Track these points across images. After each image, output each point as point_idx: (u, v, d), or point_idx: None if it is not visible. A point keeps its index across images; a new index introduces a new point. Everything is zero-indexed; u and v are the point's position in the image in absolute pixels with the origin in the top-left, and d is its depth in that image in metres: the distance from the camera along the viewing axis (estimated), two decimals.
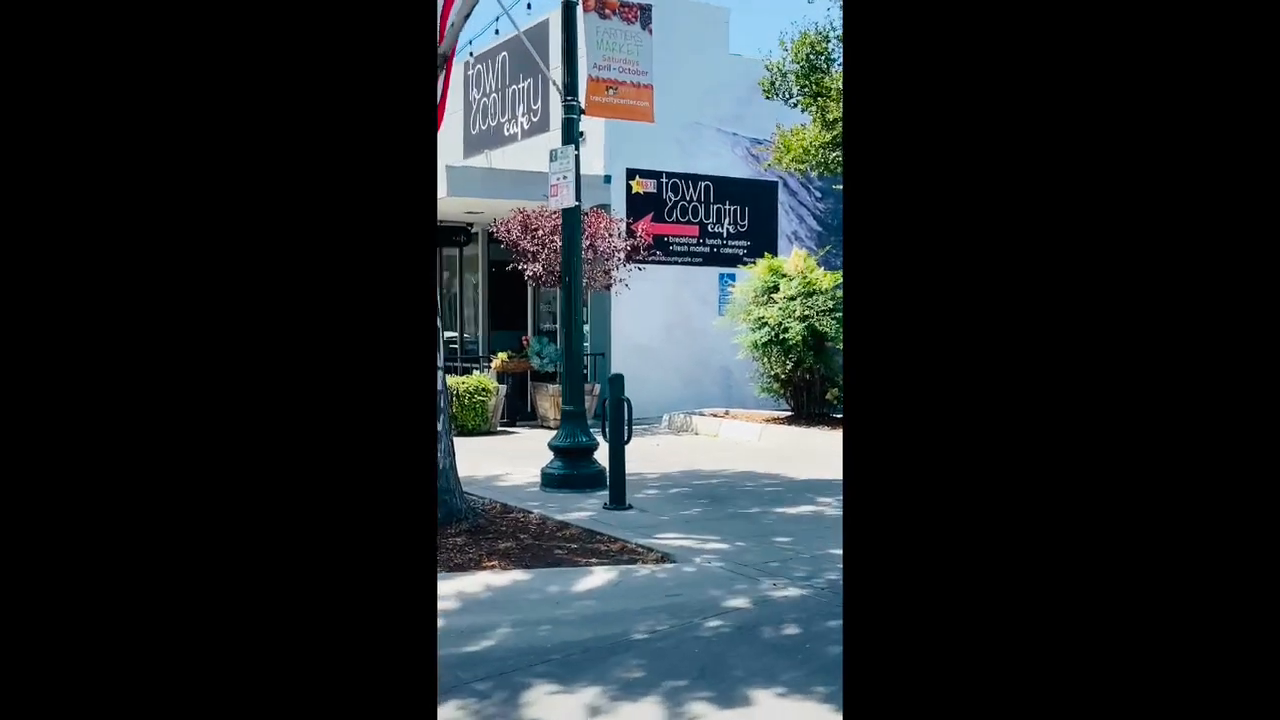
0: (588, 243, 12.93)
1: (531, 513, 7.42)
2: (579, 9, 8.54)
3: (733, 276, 14.61)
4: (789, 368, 12.10)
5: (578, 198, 8.47)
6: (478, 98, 17.36)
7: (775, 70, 11.69)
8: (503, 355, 14.12)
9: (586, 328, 15.20)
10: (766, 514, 7.49)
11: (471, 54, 16.84)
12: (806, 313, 11.90)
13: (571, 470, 8.41)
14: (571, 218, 8.55)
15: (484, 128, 17.15)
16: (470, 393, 12.58)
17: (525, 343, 14.37)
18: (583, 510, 7.55)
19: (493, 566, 5.86)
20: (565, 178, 8.40)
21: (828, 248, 15.34)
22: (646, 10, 9.00)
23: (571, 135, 8.49)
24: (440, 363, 6.98)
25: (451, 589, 5.34)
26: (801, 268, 12.40)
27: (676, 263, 15.23)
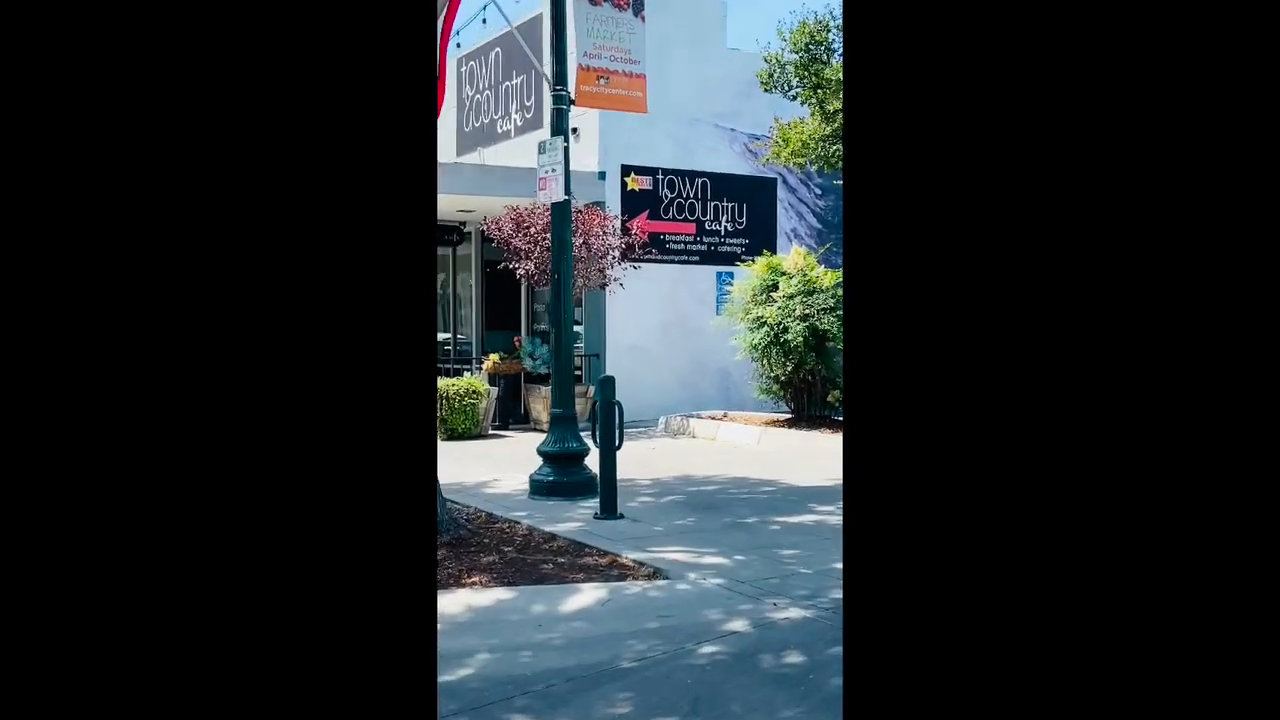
0: (581, 240, 12.57)
1: (519, 523, 7.05)
2: None
3: (731, 275, 14.24)
4: (789, 369, 11.72)
5: (567, 191, 8.10)
6: (470, 94, 17.00)
7: (773, 62, 11.30)
8: (494, 357, 13.75)
9: (580, 328, 14.87)
10: (766, 524, 7.11)
11: (458, 44, 16.49)
12: (807, 312, 11.52)
13: (561, 477, 8.04)
14: (561, 213, 8.18)
15: (477, 125, 16.78)
16: (460, 395, 12.20)
17: (517, 343, 13.99)
18: (572, 520, 7.17)
19: (474, 584, 5.48)
20: (554, 170, 8.02)
21: (828, 245, 14.96)
22: None
23: (561, 127, 8.12)
24: None
25: None
26: (801, 265, 12.02)
27: (673, 261, 14.86)
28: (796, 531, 6.84)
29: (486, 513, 7.38)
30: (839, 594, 5.15)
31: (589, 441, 7.96)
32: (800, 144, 11.34)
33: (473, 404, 12.32)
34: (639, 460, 10.34)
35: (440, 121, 16.29)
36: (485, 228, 13.32)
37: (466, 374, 13.94)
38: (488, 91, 16.52)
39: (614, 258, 13.37)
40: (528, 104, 15.68)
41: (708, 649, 4.42)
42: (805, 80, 10.95)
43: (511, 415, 13.70)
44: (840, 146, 11.00)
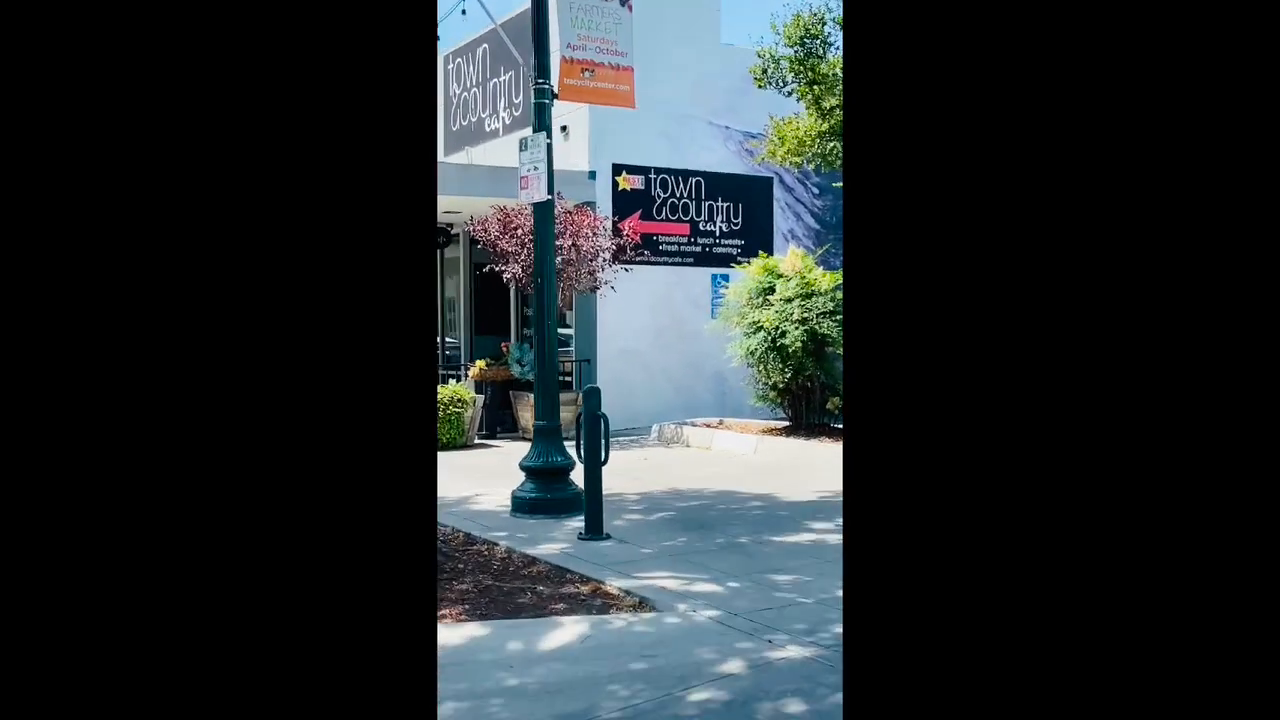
0: (570, 242, 12.13)
1: (498, 544, 6.59)
2: None
3: (726, 277, 13.79)
4: (787, 375, 11.26)
5: (550, 191, 7.65)
6: (458, 93, 16.54)
7: (767, 57, 10.82)
8: (480, 363, 13.29)
9: (571, 332, 14.42)
10: (761, 544, 6.66)
11: (437, 38, 16.01)
12: (805, 315, 11.07)
13: (544, 494, 7.58)
14: (544, 213, 7.73)
15: (465, 124, 16.33)
16: (444, 404, 11.73)
17: (505, 349, 13.53)
18: (554, 542, 6.72)
19: (445, 618, 5.03)
20: (536, 169, 7.57)
21: (826, 246, 14.50)
22: None
23: (543, 122, 7.67)
24: None
25: None
26: (799, 267, 11.57)
27: (666, 263, 14.41)
28: (794, 553, 6.39)
29: (465, 533, 6.93)
30: (841, 628, 4.70)
31: (575, 455, 7.50)
32: (796, 142, 10.86)
33: (458, 413, 11.85)
34: (629, 472, 9.89)
35: None
36: (471, 229, 12.87)
37: (453, 381, 13.48)
38: (475, 89, 16.07)
39: (605, 259, 12.93)
40: (515, 101, 15.23)
41: (698, 695, 3.97)
42: (800, 75, 10.48)
43: (500, 423, 13.25)
44: (837, 144, 10.54)
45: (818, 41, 10.41)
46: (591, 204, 13.49)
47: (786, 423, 11.95)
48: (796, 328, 11.02)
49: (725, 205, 14.86)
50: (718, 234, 14.83)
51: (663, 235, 14.36)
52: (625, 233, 13.28)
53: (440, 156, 16.23)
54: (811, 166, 11.59)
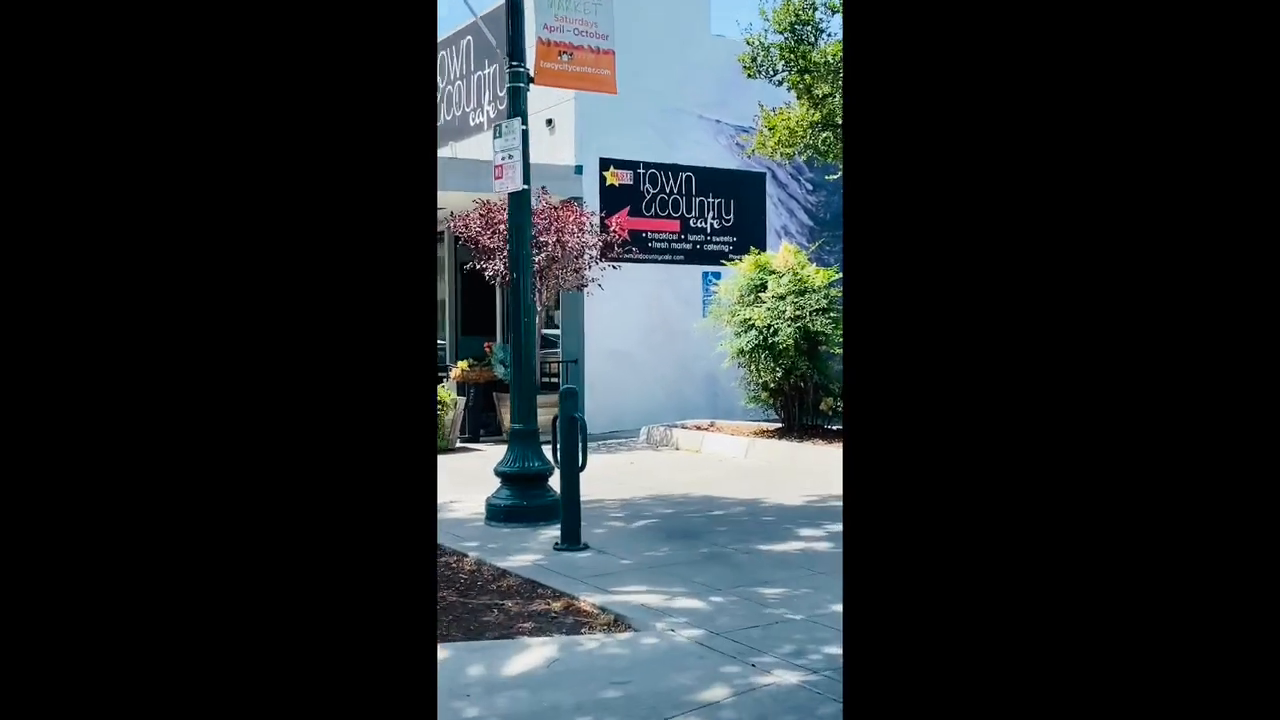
0: (555, 238, 11.72)
1: (467, 556, 6.18)
2: None
3: (718, 275, 13.38)
4: (779, 375, 10.84)
5: (527, 180, 7.24)
6: (442, 86, 16.13)
7: (756, 44, 10.39)
8: (462, 364, 12.88)
9: (558, 331, 14.02)
10: (749, 554, 6.24)
11: None
12: (797, 313, 10.66)
13: (521, 500, 7.16)
14: (520, 203, 7.31)
15: (449, 118, 15.91)
16: None
17: (488, 349, 13.11)
18: (528, 553, 6.30)
19: None
20: (511, 157, 7.16)
21: (820, 241, 14.11)
22: None
23: (518, 107, 7.25)
24: None
25: None
26: (791, 263, 11.15)
27: (656, 260, 14.00)
28: (782, 564, 5.97)
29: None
30: (833, 649, 4.30)
31: (554, 459, 7.08)
32: (788, 133, 10.42)
33: (438, 415, 11.43)
34: (613, 476, 9.48)
35: None
36: (453, 225, 12.46)
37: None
38: (459, 82, 15.66)
39: (592, 257, 12.52)
40: (500, 95, 14.80)
41: None
42: (791, 64, 10.04)
43: (484, 426, 12.83)
44: (830, 134, 10.12)
45: (809, 28, 9.97)
46: (578, 199, 13.09)
47: (779, 424, 11.53)
48: (789, 326, 10.60)
49: (716, 201, 14.47)
50: (709, 231, 14.43)
51: (652, 232, 13.96)
52: (613, 229, 12.88)
53: None
54: (803, 158, 11.14)
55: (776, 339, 10.65)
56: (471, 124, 15.26)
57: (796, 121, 10.32)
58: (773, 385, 11.05)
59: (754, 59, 10.43)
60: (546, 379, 13.99)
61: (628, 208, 13.65)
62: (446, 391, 11.89)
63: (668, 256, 14.12)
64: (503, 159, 7.24)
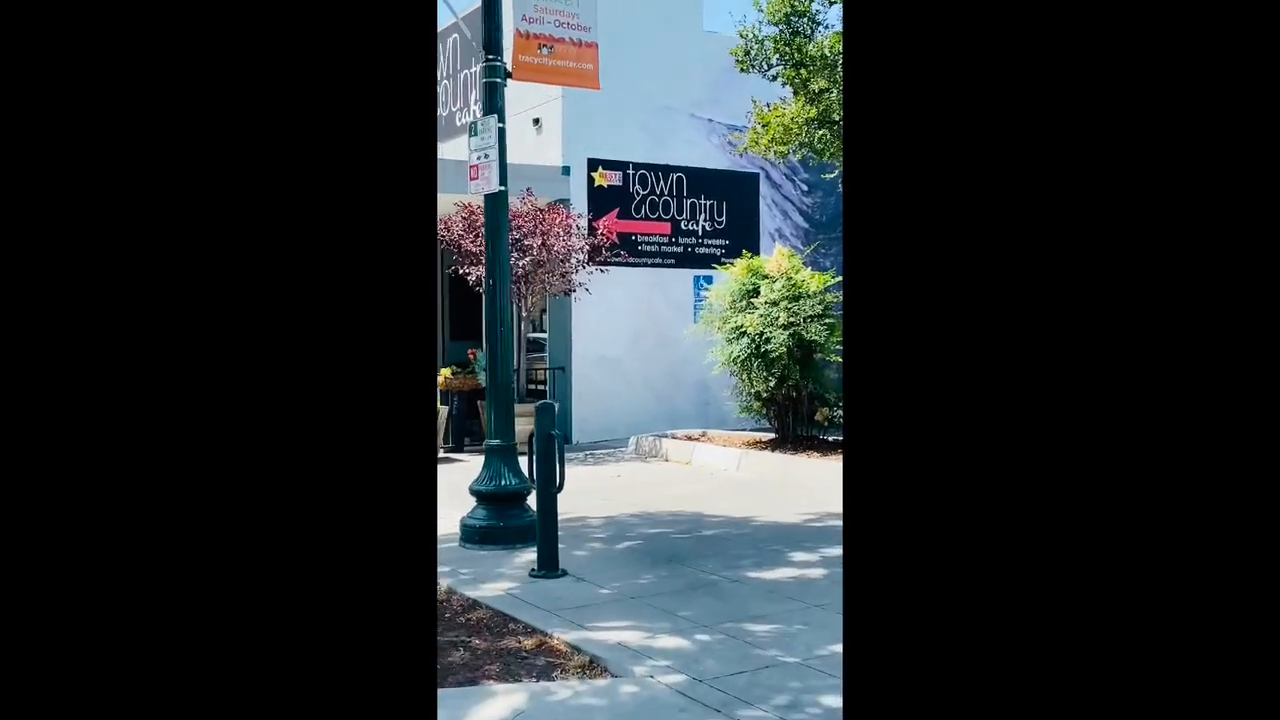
0: (540, 241, 11.29)
1: (438, 584, 5.74)
2: None
3: (709, 279, 12.96)
4: (771, 384, 10.41)
5: (504, 181, 6.81)
6: None
7: (750, 37, 9.95)
8: (445, 371, 12.44)
9: (545, 337, 13.60)
10: (738, 582, 5.82)
11: None
12: (791, 320, 10.23)
13: (496, 521, 6.73)
14: (497, 206, 6.88)
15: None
16: None
17: (472, 356, 12.68)
18: (502, 580, 5.87)
19: None
20: (488, 156, 6.73)
21: (815, 245, 13.69)
22: None
23: (495, 104, 6.82)
24: None
25: None
26: (785, 268, 10.72)
27: (646, 264, 13.58)
28: (775, 594, 5.55)
29: None
30: (832, 700, 3.87)
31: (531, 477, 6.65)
32: (781, 129, 9.98)
33: None
34: (598, 490, 9.05)
35: None
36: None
37: None
38: (445, 81, 15.23)
39: (579, 260, 12.10)
40: None
41: None
42: (786, 57, 9.60)
43: (469, 434, 12.39)
44: (827, 132, 9.68)
45: (805, 19, 9.53)
46: (565, 201, 12.67)
47: (772, 435, 11.11)
48: (782, 333, 10.18)
49: (708, 203, 14.05)
50: (700, 233, 14.01)
51: (642, 235, 13.53)
52: (600, 231, 12.46)
53: None
54: (798, 157, 10.70)
55: (769, 347, 10.23)
56: (457, 124, 14.83)
57: (791, 118, 9.88)
58: (765, 395, 10.62)
59: (747, 52, 9.98)
60: (533, 386, 13.57)
61: (617, 210, 13.24)
62: None
63: (658, 260, 13.71)
64: (479, 159, 6.81)
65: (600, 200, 13.14)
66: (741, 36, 10.13)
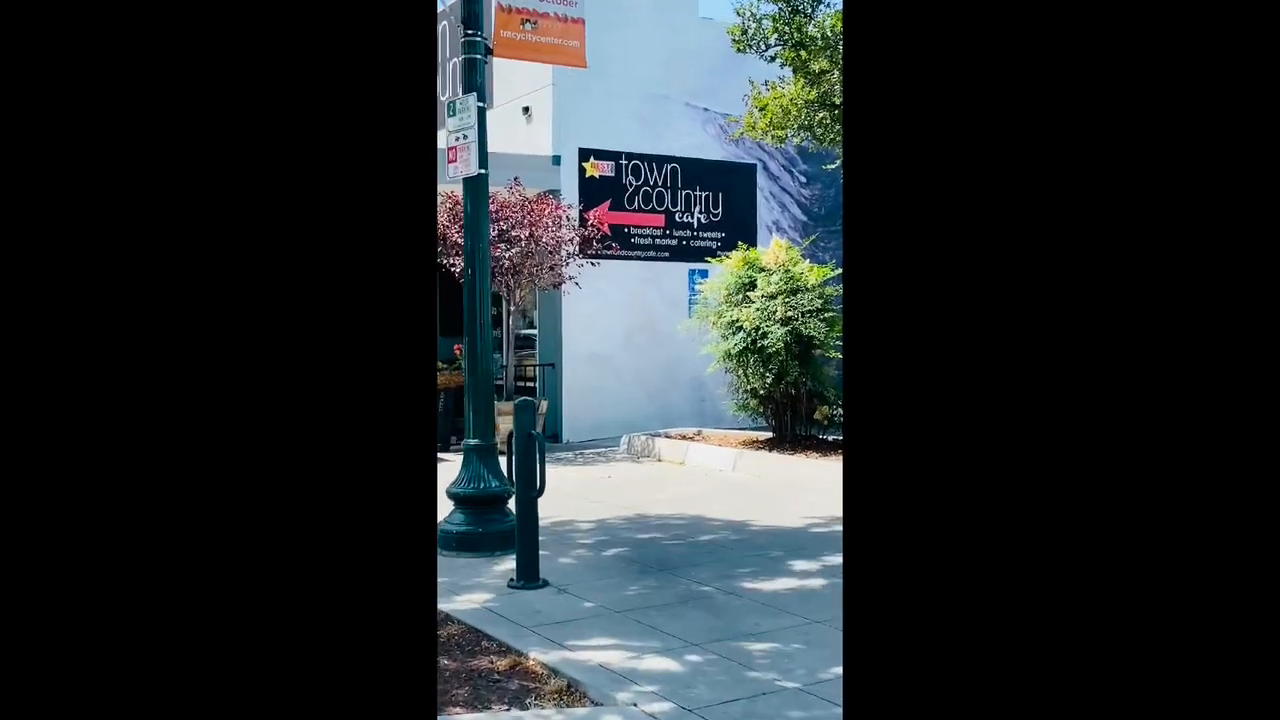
0: (527, 232, 10.87)
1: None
2: None
3: (705, 273, 12.53)
4: (769, 381, 9.99)
5: (484, 164, 6.39)
6: None
7: (747, 15, 9.53)
8: None
9: (535, 332, 13.19)
10: (732, 594, 5.40)
11: None
12: (789, 314, 9.82)
13: (475, 527, 6.31)
14: (476, 190, 6.46)
15: None
16: None
17: (458, 352, 12.25)
18: (479, 590, 5.45)
19: None
20: (466, 137, 6.31)
21: (814, 237, 13.28)
22: None
23: (474, 82, 6.41)
24: None
25: None
26: (783, 260, 10.31)
27: (639, 257, 13.16)
28: (772, 606, 5.13)
29: None
30: None
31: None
32: (780, 112, 9.54)
33: None
34: (588, 492, 8.63)
35: None
36: None
37: None
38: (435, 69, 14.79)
39: (569, 253, 11.68)
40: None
41: None
42: (785, 37, 9.17)
43: (456, 432, 11.93)
44: (827, 115, 9.25)
45: None
46: (556, 192, 12.25)
47: (769, 434, 10.69)
48: (779, 328, 9.76)
49: (704, 194, 13.63)
50: (696, 226, 13.60)
51: (635, 227, 13.12)
52: (591, 223, 12.04)
53: None
54: (797, 141, 10.26)
55: (766, 342, 9.81)
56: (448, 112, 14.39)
57: (790, 100, 9.44)
58: (762, 392, 10.20)
59: (744, 31, 9.55)
60: (523, 383, 13.15)
61: (609, 201, 12.82)
62: None
63: (652, 253, 13.29)
64: (457, 139, 6.39)
65: (592, 191, 12.73)
66: (738, 14, 9.69)
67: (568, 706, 3.85)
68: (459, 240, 10.86)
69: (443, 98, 14.50)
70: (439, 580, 5.59)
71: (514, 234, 10.87)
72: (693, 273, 13.35)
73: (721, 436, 11.17)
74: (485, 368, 6.51)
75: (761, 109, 9.88)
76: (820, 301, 9.90)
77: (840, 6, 9.18)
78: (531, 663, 4.29)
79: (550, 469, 10.17)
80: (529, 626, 4.77)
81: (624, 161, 13.03)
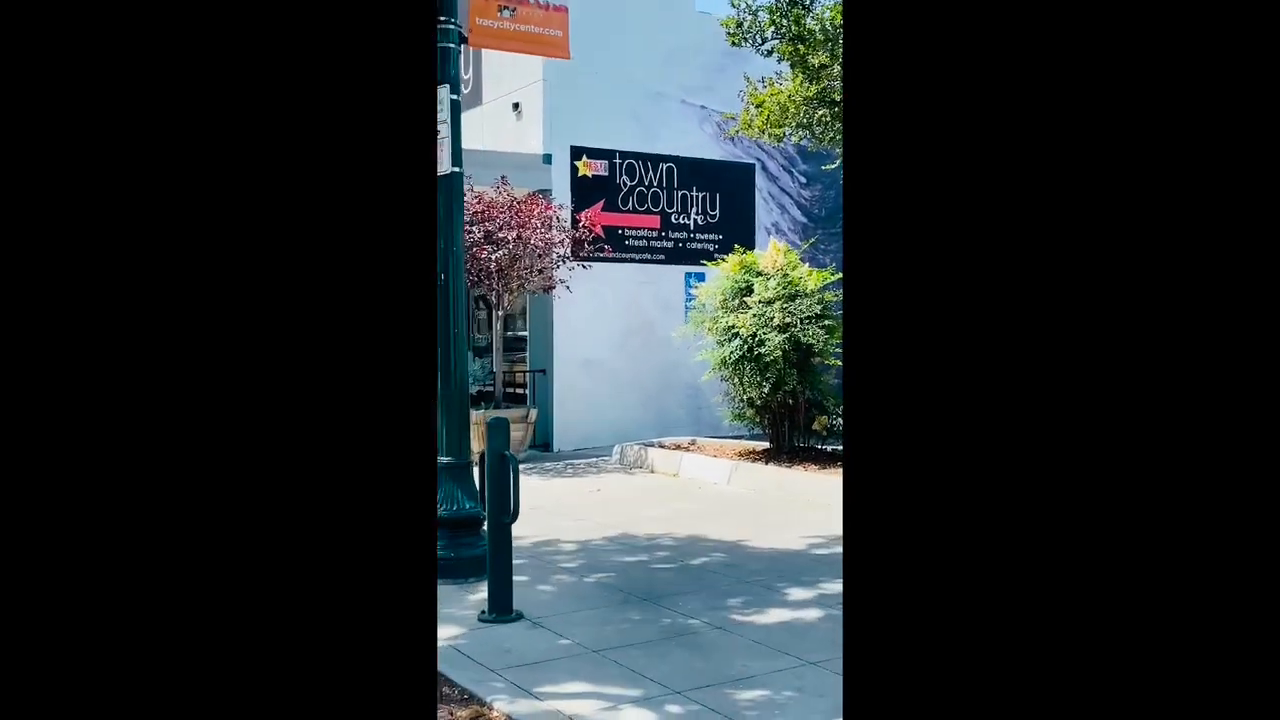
0: (514, 233, 10.45)
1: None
2: None
3: (702, 276, 12.11)
4: (766, 390, 9.55)
5: (458, 161, 5.96)
6: None
7: (743, 7, 9.08)
8: None
9: (526, 335, 12.76)
10: (722, 628, 4.97)
11: None
12: (787, 320, 9.38)
13: (449, 552, 5.88)
14: (450, 189, 6.03)
15: None
16: None
17: None
18: (448, 624, 5.01)
19: None
20: (439, 132, 5.88)
21: (813, 239, 12.85)
22: None
23: (448, 72, 5.97)
24: None
25: None
26: (781, 263, 9.87)
27: (633, 260, 12.74)
28: (765, 644, 4.70)
29: None
30: None
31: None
32: (777, 109, 9.10)
33: None
34: (574, 508, 8.21)
35: None
36: None
37: None
38: None
39: (560, 255, 11.26)
40: (466, 78, 13.55)
41: None
42: (783, 30, 8.74)
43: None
44: (826, 112, 8.82)
45: None
46: (547, 192, 11.83)
47: (766, 445, 10.26)
48: (777, 335, 9.33)
49: (701, 195, 13.21)
50: (692, 227, 13.18)
51: (629, 228, 12.70)
52: (583, 224, 11.62)
53: None
54: (795, 139, 9.82)
55: (763, 350, 9.38)
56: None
57: (788, 96, 9.00)
58: (759, 401, 9.76)
59: (740, 24, 9.10)
60: (512, 390, 12.74)
61: (602, 201, 12.40)
62: None
63: (647, 255, 12.87)
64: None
65: (584, 191, 12.31)
66: (734, 6, 9.26)
67: None
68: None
69: None
70: None
71: (501, 235, 10.45)
72: (689, 276, 12.94)
73: (717, 447, 10.73)
74: (460, 379, 6.09)
75: (758, 106, 9.43)
76: (820, 307, 9.47)
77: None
78: (495, 715, 3.86)
79: (538, 480, 9.81)
80: (496, 669, 4.34)
81: (618, 160, 12.61)
